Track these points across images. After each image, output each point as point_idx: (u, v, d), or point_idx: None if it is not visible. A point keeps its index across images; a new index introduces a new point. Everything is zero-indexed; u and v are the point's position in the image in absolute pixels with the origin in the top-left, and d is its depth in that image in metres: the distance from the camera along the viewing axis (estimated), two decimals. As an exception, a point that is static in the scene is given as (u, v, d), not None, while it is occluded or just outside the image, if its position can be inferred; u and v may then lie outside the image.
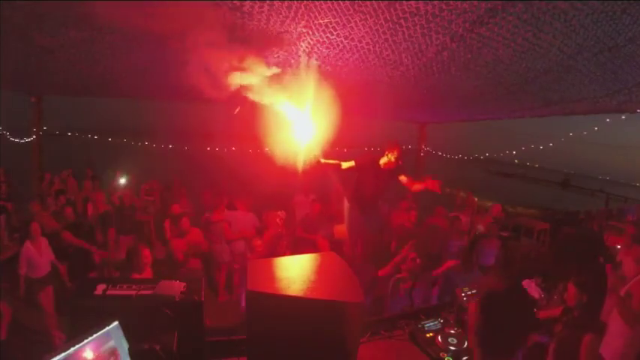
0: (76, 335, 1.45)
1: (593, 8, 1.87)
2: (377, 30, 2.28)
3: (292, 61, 2.93)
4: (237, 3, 2.02)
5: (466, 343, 2.19)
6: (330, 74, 3.02)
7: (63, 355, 1.35)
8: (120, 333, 1.60)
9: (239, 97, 2.73)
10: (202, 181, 8.16)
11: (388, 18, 2.09)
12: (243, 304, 3.02)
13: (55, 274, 4.34)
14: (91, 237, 5.28)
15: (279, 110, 2.79)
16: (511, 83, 3.45)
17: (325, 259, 1.94)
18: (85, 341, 1.44)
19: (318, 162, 3.32)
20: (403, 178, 3.74)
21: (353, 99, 4.48)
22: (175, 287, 1.98)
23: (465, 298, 2.64)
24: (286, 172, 3.09)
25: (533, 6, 1.88)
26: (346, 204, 3.99)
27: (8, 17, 2.31)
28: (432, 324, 2.36)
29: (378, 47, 2.62)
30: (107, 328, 1.55)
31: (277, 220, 4.53)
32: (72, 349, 1.38)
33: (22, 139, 7.22)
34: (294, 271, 1.75)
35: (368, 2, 1.93)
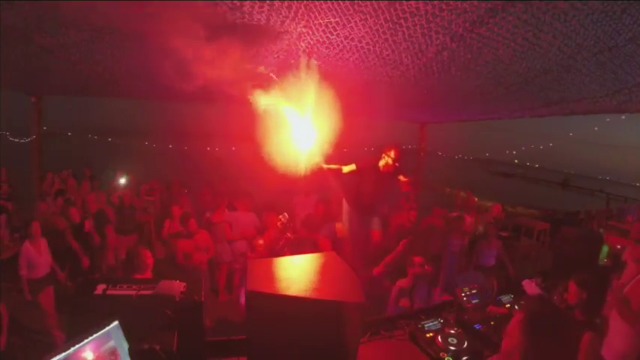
0: (76, 335, 1.45)
1: (593, 8, 1.87)
2: (377, 30, 2.28)
3: (292, 61, 2.93)
4: (237, 3, 2.02)
5: (466, 343, 2.19)
6: (330, 74, 3.02)
7: (63, 355, 1.35)
8: (120, 333, 1.60)
9: (239, 97, 2.72)
10: (202, 181, 8.17)
11: (388, 18, 2.09)
12: (243, 300, 3.02)
13: (54, 274, 4.34)
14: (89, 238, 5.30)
15: (279, 112, 2.79)
16: (511, 83, 3.45)
17: (325, 259, 1.95)
18: (85, 341, 1.44)
19: (320, 167, 3.31)
20: (402, 178, 3.73)
21: (353, 99, 4.48)
22: (175, 287, 1.99)
23: (464, 298, 2.64)
24: (287, 173, 3.08)
25: (533, 6, 1.88)
26: (346, 206, 3.99)
27: (8, 17, 2.31)
28: (432, 324, 2.36)
29: (378, 47, 2.62)
30: (107, 328, 1.55)
31: (279, 223, 4.54)
32: (72, 349, 1.38)
33: (22, 139, 7.23)
34: (294, 271, 1.76)
35: (368, 2, 1.93)
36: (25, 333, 3.92)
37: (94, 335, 1.48)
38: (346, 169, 3.68)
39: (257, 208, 5.78)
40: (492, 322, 2.49)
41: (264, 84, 2.73)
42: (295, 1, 1.99)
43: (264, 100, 2.72)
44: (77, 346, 1.41)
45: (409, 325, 2.41)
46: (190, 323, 1.91)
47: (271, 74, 2.92)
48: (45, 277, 4.14)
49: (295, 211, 5.86)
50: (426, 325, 2.34)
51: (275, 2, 2.00)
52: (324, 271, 1.82)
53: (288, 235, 4.76)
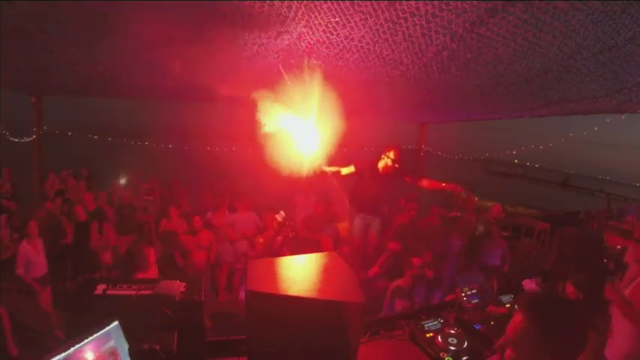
0: (76, 335, 1.45)
1: (593, 8, 1.87)
2: (377, 30, 2.28)
3: (292, 61, 2.93)
4: (237, 3, 2.02)
5: (466, 343, 2.19)
6: (330, 74, 3.02)
7: (63, 355, 1.34)
8: (120, 333, 1.60)
9: (239, 97, 2.73)
10: (202, 181, 8.18)
11: (388, 18, 2.09)
12: (243, 296, 3.02)
13: (52, 274, 4.34)
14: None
15: (279, 112, 2.78)
16: (511, 83, 3.45)
17: (325, 259, 1.95)
18: (85, 341, 1.44)
19: (320, 169, 3.30)
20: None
21: (353, 99, 4.48)
22: (175, 287, 1.99)
23: (464, 298, 2.64)
24: (287, 174, 3.08)
25: (533, 6, 1.88)
26: (349, 207, 3.98)
27: (8, 17, 2.31)
28: (432, 324, 2.36)
29: (378, 47, 2.62)
30: (107, 328, 1.55)
31: (275, 222, 4.54)
32: (72, 349, 1.38)
33: (22, 139, 7.23)
34: (295, 271, 1.75)
35: (368, 2, 1.93)
36: (25, 333, 3.91)
37: (94, 335, 1.48)
38: (345, 170, 3.66)
39: (257, 208, 5.78)
40: (492, 322, 2.48)
41: (264, 84, 2.73)
42: (295, 1, 1.99)
43: (264, 101, 2.72)
44: (77, 346, 1.40)
45: (409, 325, 2.41)
46: (190, 323, 1.91)
47: (271, 74, 2.92)
48: (43, 277, 4.14)
49: (295, 211, 5.86)
50: (426, 325, 2.34)
51: (275, 2, 2.00)
52: (324, 271, 1.82)
53: (289, 234, 4.76)
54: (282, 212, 4.79)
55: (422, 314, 2.56)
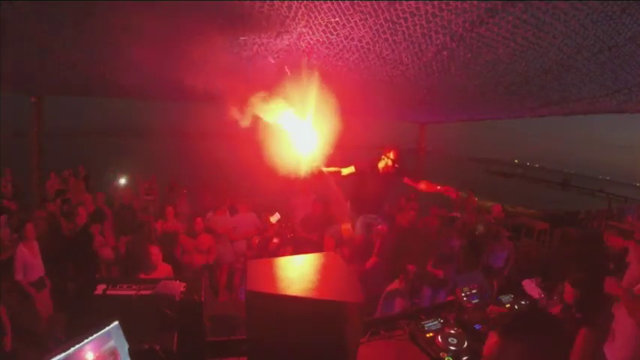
0: (76, 335, 1.45)
1: (593, 8, 1.87)
2: (377, 30, 2.28)
3: (292, 61, 2.93)
4: (237, 3, 2.02)
5: (466, 343, 2.19)
6: (330, 74, 3.02)
7: (63, 355, 1.35)
8: (120, 333, 1.60)
9: (239, 97, 2.72)
10: (202, 181, 8.18)
11: (388, 18, 2.09)
12: (243, 297, 3.02)
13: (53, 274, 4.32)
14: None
15: (279, 112, 2.78)
16: (511, 83, 3.45)
17: (325, 259, 1.94)
18: (85, 341, 1.44)
19: (320, 171, 3.29)
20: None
21: (353, 99, 4.48)
22: (175, 287, 1.99)
23: (464, 298, 2.64)
24: (286, 175, 3.07)
25: (533, 6, 1.88)
26: (349, 208, 3.98)
27: (8, 17, 2.31)
28: (432, 324, 2.36)
29: (378, 47, 2.61)
30: (107, 328, 1.55)
31: (269, 223, 4.56)
32: (72, 349, 1.38)
33: (22, 139, 7.24)
34: (294, 271, 1.75)
35: (368, 2, 1.93)
36: (25, 333, 3.91)
37: (94, 335, 1.48)
38: (345, 171, 3.65)
39: (257, 209, 5.78)
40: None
41: (264, 84, 2.72)
42: (295, 1, 1.99)
43: (264, 101, 2.72)
44: (77, 346, 1.40)
45: (409, 325, 2.41)
46: (190, 323, 1.92)
47: (271, 74, 2.92)
48: (39, 280, 4.10)
49: (294, 212, 5.87)
50: (426, 325, 2.34)
51: (275, 2, 2.00)
52: (324, 271, 1.82)
53: (287, 235, 4.77)
54: (277, 214, 4.78)
55: (422, 314, 2.57)
